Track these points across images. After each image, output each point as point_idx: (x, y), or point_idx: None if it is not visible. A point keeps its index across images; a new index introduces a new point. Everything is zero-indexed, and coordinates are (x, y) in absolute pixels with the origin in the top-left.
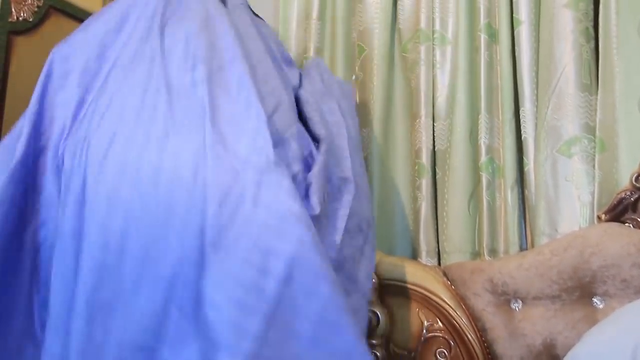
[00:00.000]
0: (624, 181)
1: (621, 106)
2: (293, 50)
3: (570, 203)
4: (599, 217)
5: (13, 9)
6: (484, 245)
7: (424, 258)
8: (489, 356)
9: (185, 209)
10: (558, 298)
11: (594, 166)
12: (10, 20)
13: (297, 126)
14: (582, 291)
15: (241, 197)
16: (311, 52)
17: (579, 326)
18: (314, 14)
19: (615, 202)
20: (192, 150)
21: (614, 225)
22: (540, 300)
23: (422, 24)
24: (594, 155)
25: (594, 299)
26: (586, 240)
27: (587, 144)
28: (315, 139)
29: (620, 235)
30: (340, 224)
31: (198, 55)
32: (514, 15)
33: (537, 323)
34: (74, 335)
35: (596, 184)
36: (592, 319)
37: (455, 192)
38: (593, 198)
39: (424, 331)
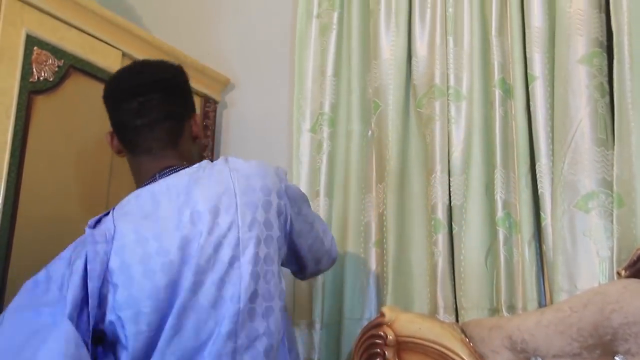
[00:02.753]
0: None
1: (638, 161)
2: (309, 106)
3: (589, 258)
4: (618, 273)
5: (34, 69)
6: (502, 302)
7: (441, 314)
8: None
9: None
10: (579, 356)
11: (612, 221)
12: (31, 80)
13: None
14: (603, 349)
15: None
16: (326, 108)
17: None
18: (329, 70)
19: (635, 258)
20: None
21: (635, 281)
22: (560, 358)
23: (437, 80)
24: (612, 211)
25: (616, 358)
26: (606, 297)
27: (605, 199)
28: None
29: None
30: None
31: None
32: (528, 70)
33: None
34: None
35: (615, 239)
36: None
37: (472, 247)
38: (612, 253)
39: None
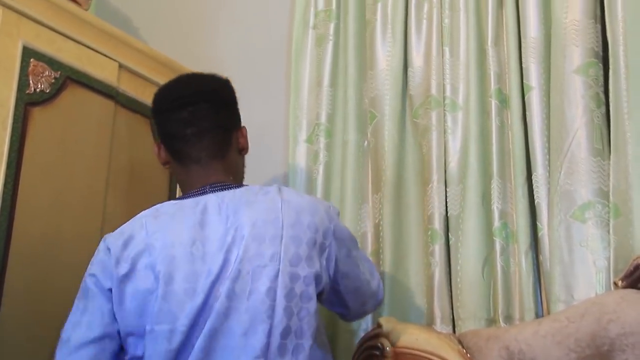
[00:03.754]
0: None
1: (634, 171)
2: (305, 117)
3: (586, 269)
4: (615, 284)
5: (31, 81)
6: (499, 312)
7: (438, 325)
8: None
9: None
10: None
11: (608, 231)
12: (27, 92)
13: None
14: None
15: None
16: (323, 119)
17: None
18: (326, 81)
19: (631, 268)
20: None
21: (632, 291)
22: None
23: (433, 90)
24: (609, 221)
25: None
26: (603, 307)
27: (601, 209)
28: None
29: (638, 302)
30: None
31: None
32: (524, 81)
33: None
34: None
35: (611, 250)
36: None
37: (469, 257)
38: (609, 263)
39: None
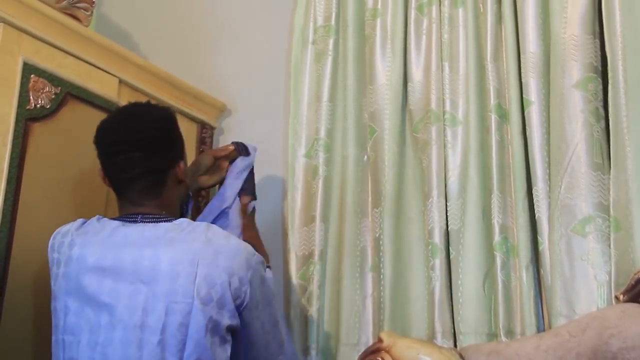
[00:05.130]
0: None
1: (634, 185)
2: (304, 132)
3: (587, 283)
4: (616, 297)
5: (31, 97)
6: (500, 326)
7: (439, 339)
8: None
9: None
10: None
11: (609, 245)
12: (27, 107)
13: None
14: None
15: None
16: (322, 133)
17: None
18: (325, 96)
19: (632, 283)
20: None
21: (633, 305)
22: None
23: (433, 105)
24: (609, 235)
25: None
26: (605, 322)
27: (602, 223)
28: None
29: (639, 317)
30: None
31: None
32: (523, 95)
33: None
34: None
35: (612, 264)
36: None
37: (470, 272)
38: (610, 277)
39: None
